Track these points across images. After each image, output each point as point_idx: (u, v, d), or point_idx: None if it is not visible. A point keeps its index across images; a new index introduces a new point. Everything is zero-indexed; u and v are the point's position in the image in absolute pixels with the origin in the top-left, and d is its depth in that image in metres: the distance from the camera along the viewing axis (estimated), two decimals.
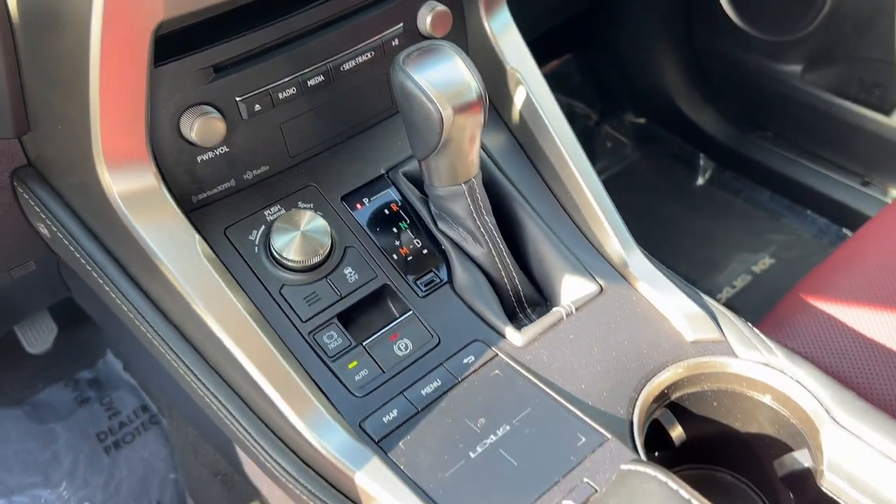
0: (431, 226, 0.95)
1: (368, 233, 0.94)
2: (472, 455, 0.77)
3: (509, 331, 0.88)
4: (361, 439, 0.79)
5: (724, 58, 2.02)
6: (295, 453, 0.83)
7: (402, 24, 0.95)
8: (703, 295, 0.94)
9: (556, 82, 2.25)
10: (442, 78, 0.80)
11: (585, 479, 0.74)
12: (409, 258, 0.93)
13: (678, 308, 0.91)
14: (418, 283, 0.92)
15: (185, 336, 0.88)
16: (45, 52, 0.79)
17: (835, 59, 1.88)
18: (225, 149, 0.89)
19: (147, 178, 0.82)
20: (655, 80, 2.14)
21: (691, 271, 1.93)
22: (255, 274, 0.88)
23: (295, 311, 0.87)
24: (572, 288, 0.93)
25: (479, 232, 0.91)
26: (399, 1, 0.94)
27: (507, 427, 0.79)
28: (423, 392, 0.83)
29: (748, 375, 0.86)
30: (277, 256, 0.88)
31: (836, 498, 0.80)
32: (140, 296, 0.89)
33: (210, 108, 0.84)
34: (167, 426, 1.66)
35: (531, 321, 0.91)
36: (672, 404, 0.87)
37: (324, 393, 0.83)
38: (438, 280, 0.93)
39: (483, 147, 1.01)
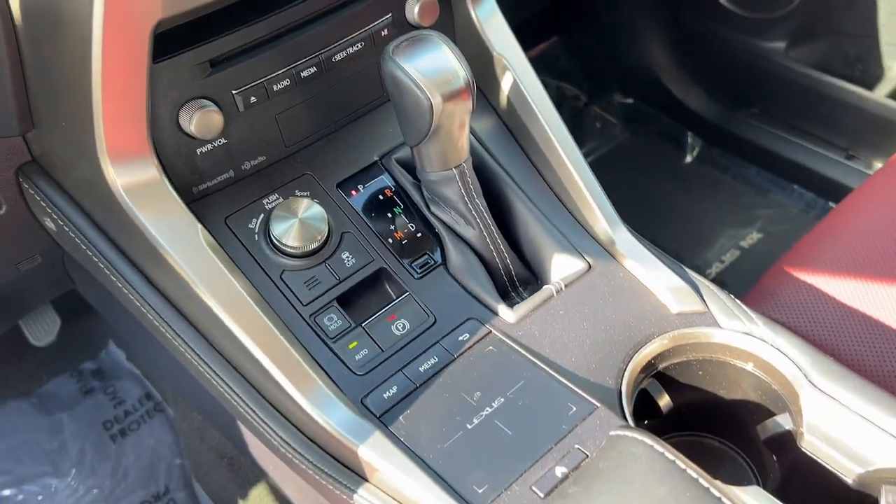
0: (424, 210, 0.97)
1: (364, 218, 0.96)
2: (468, 426, 0.80)
3: (502, 308, 0.91)
4: (363, 415, 0.82)
5: (710, 37, 2.03)
6: (300, 430, 0.86)
7: (390, 15, 0.97)
8: (686, 269, 0.97)
9: (545, 65, 2.28)
10: (430, 67, 0.82)
11: (577, 446, 0.77)
12: (404, 242, 0.96)
13: (663, 282, 0.94)
14: (413, 265, 0.95)
15: (190, 322, 0.90)
16: (48, 53, 0.82)
17: (818, 36, 1.90)
18: (223, 141, 0.91)
19: (149, 171, 0.85)
20: (642, 61, 2.15)
21: (681, 247, 1.96)
22: (256, 260, 0.90)
23: (296, 296, 0.90)
24: (561, 266, 0.96)
25: (471, 214, 0.94)
26: None
27: (502, 399, 0.82)
28: (421, 369, 0.86)
29: (731, 344, 0.89)
30: (277, 243, 0.90)
31: (814, 457, 0.83)
32: (146, 284, 0.91)
33: (208, 102, 0.87)
34: (172, 414, 1.68)
35: (523, 299, 0.94)
36: (659, 374, 0.91)
37: (326, 372, 0.85)
38: (433, 262, 0.96)
39: (472, 132, 1.03)
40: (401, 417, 0.82)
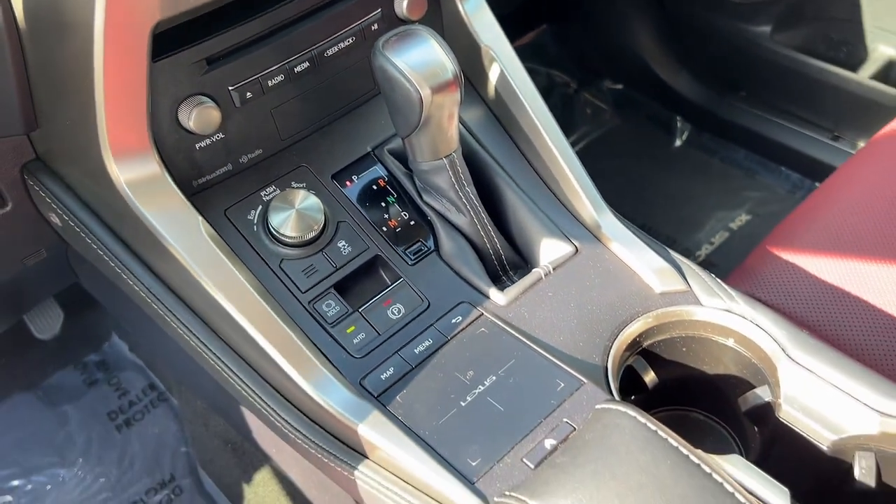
0: (417, 199, 1.00)
1: (359, 208, 0.99)
2: (462, 404, 0.83)
3: (493, 292, 0.94)
4: (362, 395, 0.85)
5: (697, 22, 2.05)
6: (302, 412, 0.89)
7: (380, 10, 0.99)
8: (669, 250, 1.00)
9: (534, 53, 2.30)
10: (419, 60, 0.85)
11: (565, 420, 0.81)
12: (398, 230, 0.99)
13: (647, 263, 0.96)
14: (407, 252, 0.98)
15: (193, 310, 0.93)
16: (51, 54, 0.84)
17: (803, 19, 1.91)
18: (221, 135, 0.93)
19: (151, 166, 0.87)
20: (631, 47, 2.16)
21: (671, 230, 1.98)
22: (255, 250, 0.93)
23: (294, 283, 0.92)
24: (549, 250, 0.99)
25: (462, 202, 0.97)
26: None
27: (493, 377, 0.85)
28: (416, 350, 0.89)
29: (712, 321, 0.93)
30: (275, 233, 0.93)
31: (792, 426, 0.87)
32: (150, 275, 0.94)
33: (205, 98, 0.89)
34: (175, 403, 1.71)
35: (513, 282, 0.97)
36: (644, 351, 0.94)
37: (326, 356, 0.88)
38: (426, 249, 0.98)
39: (462, 122, 1.05)
40: (398, 397, 0.85)
